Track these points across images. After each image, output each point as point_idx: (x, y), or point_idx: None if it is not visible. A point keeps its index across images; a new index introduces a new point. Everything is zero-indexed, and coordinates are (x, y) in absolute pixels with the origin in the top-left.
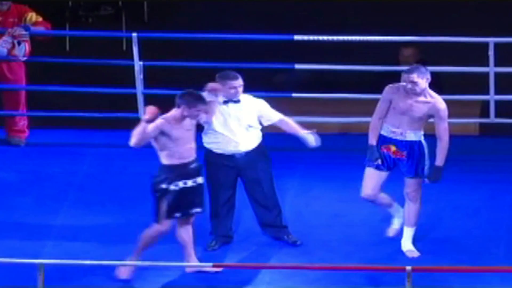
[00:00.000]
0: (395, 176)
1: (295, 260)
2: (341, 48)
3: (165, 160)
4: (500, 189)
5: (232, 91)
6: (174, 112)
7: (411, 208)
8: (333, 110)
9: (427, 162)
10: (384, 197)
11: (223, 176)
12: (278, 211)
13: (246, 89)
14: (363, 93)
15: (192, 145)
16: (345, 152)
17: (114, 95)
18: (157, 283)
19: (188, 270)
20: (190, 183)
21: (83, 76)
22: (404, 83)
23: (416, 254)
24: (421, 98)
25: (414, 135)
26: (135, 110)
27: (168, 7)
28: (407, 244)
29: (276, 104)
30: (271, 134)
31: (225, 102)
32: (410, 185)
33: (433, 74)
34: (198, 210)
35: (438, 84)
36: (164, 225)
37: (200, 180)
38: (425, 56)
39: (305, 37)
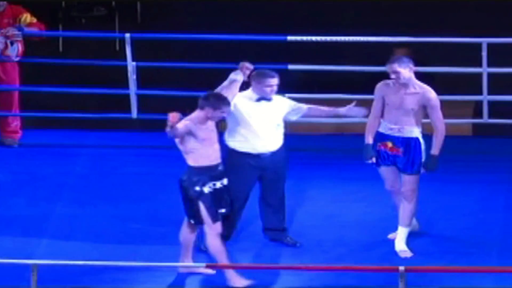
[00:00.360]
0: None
1: (289, 261)
2: (334, 48)
3: (193, 162)
4: (494, 189)
5: (268, 89)
6: (197, 113)
7: (406, 208)
8: None
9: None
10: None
11: (246, 176)
12: (283, 215)
13: (241, 90)
14: (356, 93)
15: (217, 146)
16: (339, 153)
17: (107, 96)
18: (153, 283)
19: (181, 270)
20: (218, 184)
21: (76, 77)
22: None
23: (409, 254)
24: (411, 90)
25: (411, 132)
26: (128, 110)
27: (161, 8)
28: (400, 245)
29: None
30: None
31: (258, 100)
32: (407, 183)
33: (426, 74)
34: (223, 211)
35: (432, 84)
36: (216, 227)
37: (225, 181)
38: (419, 56)
39: (299, 38)
